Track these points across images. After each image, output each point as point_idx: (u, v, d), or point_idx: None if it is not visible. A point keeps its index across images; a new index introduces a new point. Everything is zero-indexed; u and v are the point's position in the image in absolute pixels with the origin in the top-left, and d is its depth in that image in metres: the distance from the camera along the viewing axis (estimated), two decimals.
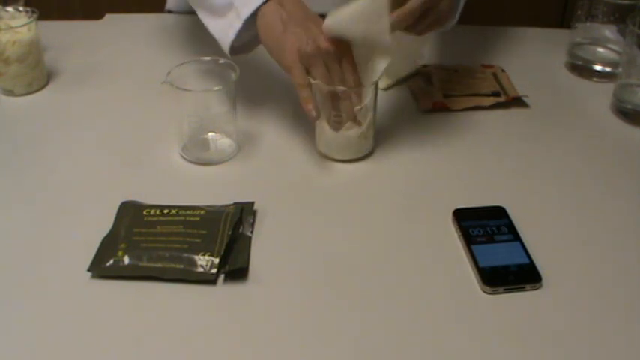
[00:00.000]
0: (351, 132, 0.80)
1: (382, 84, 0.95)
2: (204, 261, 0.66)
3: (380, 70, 0.77)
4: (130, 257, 0.67)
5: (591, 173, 0.83)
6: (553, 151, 0.86)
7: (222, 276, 0.66)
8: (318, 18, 0.78)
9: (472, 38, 1.11)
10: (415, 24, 0.76)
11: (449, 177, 0.81)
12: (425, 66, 1.00)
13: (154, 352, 0.59)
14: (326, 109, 0.79)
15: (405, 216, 0.75)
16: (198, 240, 0.68)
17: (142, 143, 0.86)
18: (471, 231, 0.71)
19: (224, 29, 0.82)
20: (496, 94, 0.95)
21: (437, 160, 0.84)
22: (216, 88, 0.79)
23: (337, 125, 0.79)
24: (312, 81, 0.77)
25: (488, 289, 0.65)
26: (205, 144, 0.83)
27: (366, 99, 0.78)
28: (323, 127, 0.81)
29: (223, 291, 0.65)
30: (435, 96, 0.93)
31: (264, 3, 0.78)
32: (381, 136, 0.86)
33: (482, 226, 0.71)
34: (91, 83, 0.99)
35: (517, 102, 0.94)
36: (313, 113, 0.76)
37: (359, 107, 0.78)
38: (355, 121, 0.79)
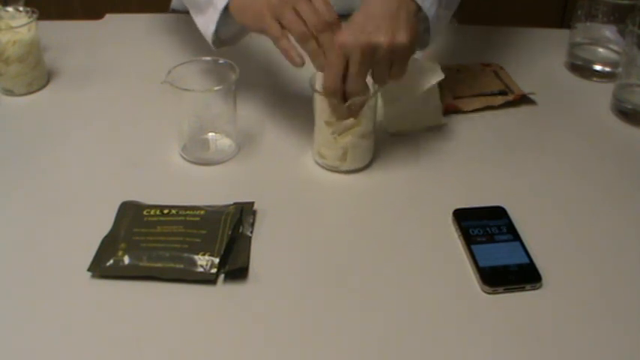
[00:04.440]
0: (347, 140, 0.78)
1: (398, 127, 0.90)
2: (204, 261, 0.66)
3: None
4: (130, 257, 0.67)
5: (591, 173, 0.83)
6: (553, 151, 0.86)
7: (222, 276, 0.66)
8: None
9: (472, 38, 1.11)
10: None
11: (449, 177, 0.81)
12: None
13: (154, 352, 0.59)
14: (323, 115, 0.78)
15: (405, 216, 0.75)
16: (198, 240, 0.68)
17: (142, 143, 0.86)
18: (471, 231, 0.71)
19: (206, 23, 0.84)
20: (503, 92, 0.95)
21: (437, 160, 0.84)
22: (216, 88, 0.79)
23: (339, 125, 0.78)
24: (315, 90, 0.76)
25: (488, 289, 0.65)
26: (205, 144, 0.83)
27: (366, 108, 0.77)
28: (319, 137, 0.80)
29: (223, 291, 0.65)
30: (446, 98, 0.93)
31: None
32: (383, 137, 0.86)
33: (482, 226, 0.71)
34: (90, 83, 0.99)
35: (525, 100, 0.94)
36: (297, 60, 0.75)
37: (358, 99, 0.75)
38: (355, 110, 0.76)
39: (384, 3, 0.74)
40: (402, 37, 0.73)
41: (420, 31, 0.81)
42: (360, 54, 0.72)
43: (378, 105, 0.81)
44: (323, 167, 0.81)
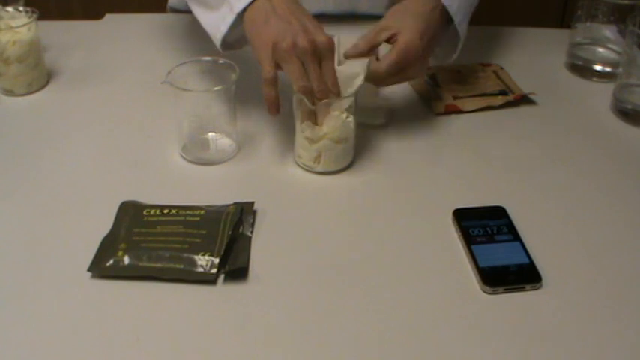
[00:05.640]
0: (321, 144, 0.78)
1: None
2: (204, 261, 0.66)
3: (358, 84, 0.76)
4: (130, 257, 0.67)
5: (591, 173, 0.82)
6: (553, 151, 0.86)
7: (222, 276, 0.66)
8: (305, 14, 0.77)
9: (472, 38, 1.10)
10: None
11: (449, 177, 0.81)
12: (428, 67, 1.00)
13: (154, 351, 0.59)
14: (301, 118, 0.78)
15: (405, 216, 0.75)
16: (198, 240, 0.68)
17: (142, 143, 0.86)
18: (470, 231, 0.71)
19: (216, 23, 0.82)
20: (503, 92, 0.95)
21: (437, 160, 0.84)
22: (216, 88, 0.79)
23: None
24: (295, 95, 0.76)
25: (488, 289, 0.65)
26: (205, 144, 0.83)
27: (344, 108, 0.77)
28: (297, 138, 0.80)
29: (223, 291, 0.65)
30: (446, 99, 0.93)
31: None
32: (384, 137, 0.86)
33: (483, 226, 0.71)
34: (91, 83, 0.99)
35: (524, 100, 0.94)
36: (273, 112, 0.76)
37: (336, 113, 0.76)
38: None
39: (425, 16, 0.81)
40: (423, 73, 0.85)
41: (444, 42, 0.87)
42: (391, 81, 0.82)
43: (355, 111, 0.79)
44: (300, 167, 0.81)
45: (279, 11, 0.76)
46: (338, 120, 0.77)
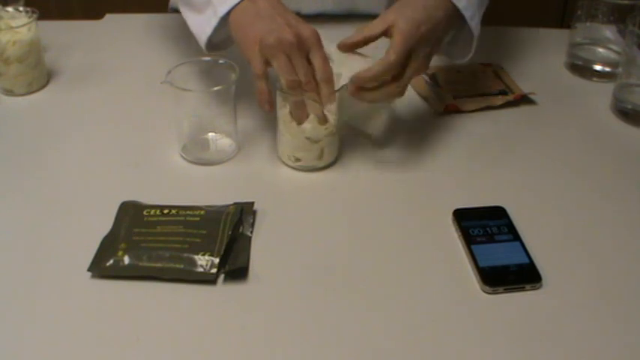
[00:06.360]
0: (323, 141, 0.79)
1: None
2: (204, 261, 0.66)
3: (345, 79, 0.76)
4: (130, 257, 0.67)
5: (591, 173, 0.83)
6: (553, 151, 0.86)
7: (222, 276, 0.66)
8: (289, 12, 0.77)
9: None
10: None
11: (449, 177, 0.81)
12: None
13: (154, 351, 0.60)
14: (286, 111, 0.79)
15: (405, 216, 0.75)
16: (198, 240, 0.68)
17: (142, 143, 0.86)
18: (470, 231, 0.71)
19: (202, 25, 0.83)
20: (503, 92, 0.95)
21: (437, 160, 0.84)
22: (216, 88, 0.79)
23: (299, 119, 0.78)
24: (280, 86, 0.77)
25: (488, 289, 0.65)
26: (205, 144, 0.83)
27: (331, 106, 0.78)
28: (291, 142, 0.80)
29: (223, 291, 0.65)
30: (446, 98, 0.93)
31: (240, 1, 0.79)
32: (385, 138, 0.86)
33: (483, 226, 0.71)
34: (91, 83, 0.99)
35: (524, 100, 0.94)
36: (266, 107, 0.76)
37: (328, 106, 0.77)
38: (322, 119, 0.78)
39: (427, 8, 0.77)
40: (422, 69, 0.78)
41: (460, 42, 0.86)
42: (416, 42, 0.75)
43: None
44: (298, 169, 0.81)
45: (264, 12, 0.77)
46: (332, 111, 0.78)
